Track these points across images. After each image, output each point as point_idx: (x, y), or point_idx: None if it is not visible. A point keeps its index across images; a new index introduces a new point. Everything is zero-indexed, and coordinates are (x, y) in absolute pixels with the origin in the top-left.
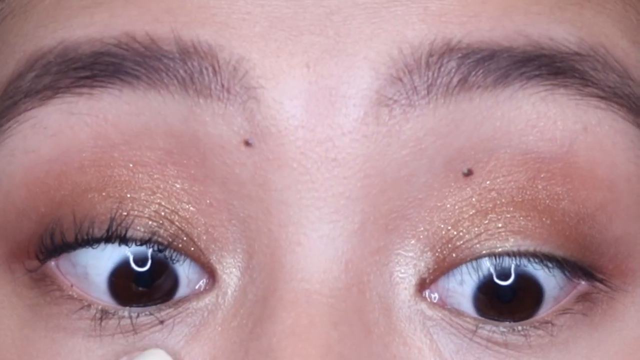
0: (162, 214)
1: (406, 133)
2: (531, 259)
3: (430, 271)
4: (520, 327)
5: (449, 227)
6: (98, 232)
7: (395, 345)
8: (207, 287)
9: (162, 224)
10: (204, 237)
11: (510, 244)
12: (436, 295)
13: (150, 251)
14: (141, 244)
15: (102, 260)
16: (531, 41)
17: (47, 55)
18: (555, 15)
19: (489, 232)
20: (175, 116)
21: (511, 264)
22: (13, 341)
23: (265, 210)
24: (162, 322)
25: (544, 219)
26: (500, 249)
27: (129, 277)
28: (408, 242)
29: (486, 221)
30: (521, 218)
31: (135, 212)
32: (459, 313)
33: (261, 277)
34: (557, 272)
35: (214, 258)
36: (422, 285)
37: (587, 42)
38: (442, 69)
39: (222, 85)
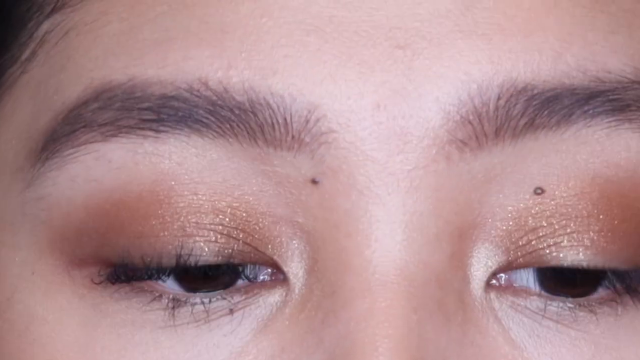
0: (226, 233)
1: (475, 169)
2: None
3: (501, 267)
4: (586, 302)
5: (522, 234)
6: (167, 264)
7: (472, 333)
8: (272, 278)
9: (230, 243)
10: (269, 247)
11: (580, 259)
12: (502, 275)
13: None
14: (210, 267)
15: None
16: (591, 77)
17: (115, 89)
18: (609, 42)
19: (561, 244)
20: (242, 158)
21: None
22: (75, 340)
23: (332, 226)
24: (231, 311)
25: (616, 234)
26: (569, 263)
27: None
28: (482, 245)
29: (560, 232)
30: (594, 234)
31: (201, 239)
32: (525, 292)
33: (327, 276)
34: (618, 282)
35: (280, 261)
36: (492, 277)
37: None
38: (509, 112)
39: (293, 137)
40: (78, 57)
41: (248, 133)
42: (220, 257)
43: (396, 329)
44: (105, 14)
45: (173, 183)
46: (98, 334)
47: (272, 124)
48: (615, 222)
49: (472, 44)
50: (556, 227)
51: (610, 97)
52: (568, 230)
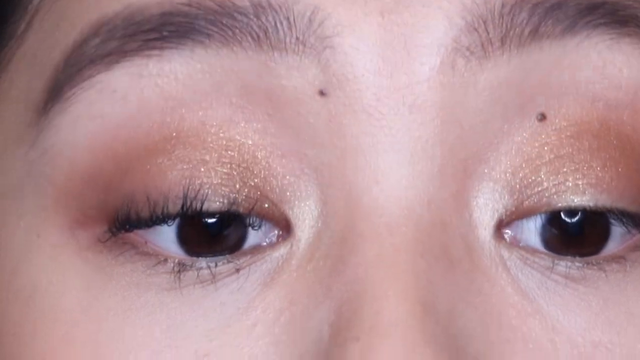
0: (235, 173)
1: (481, 83)
2: (606, 214)
3: (508, 213)
4: (594, 261)
5: (527, 171)
6: (173, 209)
7: (480, 281)
8: (279, 239)
9: (236, 187)
10: (277, 190)
11: (587, 198)
12: (509, 231)
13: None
14: (217, 216)
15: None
16: None
17: (113, 20)
18: None
19: (567, 184)
20: (248, 71)
21: (585, 213)
22: (79, 302)
23: (340, 156)
24: (238, 270)
25: (619, 169)
26: (577, 203)
27: (198, 227)
28: (486, 184)
29: (564, 170)
30: (598, 168)
31: (208, 181)
32: (533, 251)
33: (335, 220)
34: (629, 224)
35: (287, 208)
36: (500, 226)
37: None
38: (514, 20)
39: (297, 38)
40: (71, 11)
41: (252, 37)
42: (226, 202)
43: (405, 274)
44: None
45: (184, 111)
46: (103, 297)
47: (276, 25)
48: (617, 154)
49: None
50: (557, 164)
51: (612, 9)
52: (572, 168)
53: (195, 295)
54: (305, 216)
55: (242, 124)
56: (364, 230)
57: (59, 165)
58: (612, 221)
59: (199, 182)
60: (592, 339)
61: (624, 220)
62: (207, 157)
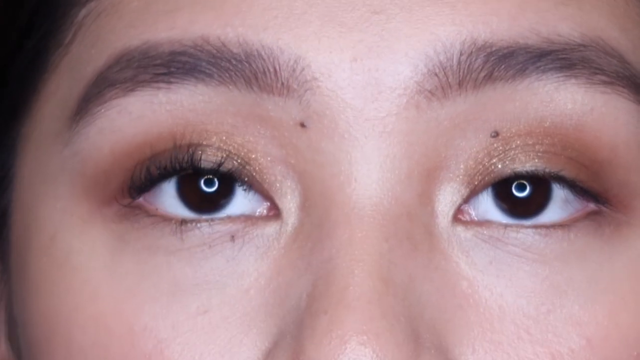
0: (229, 155)
1: (442, 116)
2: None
3: (464, 199)
4: (544, 232)
5: (481, 167)
6: (175, 166)
7: (437, 259)
8: (269, 214)
9: (230, 155)
10: (267, 180)
11: (530, 166)
12: (466, 208)
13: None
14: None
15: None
16: (543, 38)
17: (132, 52)
18: (559, 11)
19: (514, 160)
20: (242, 103)
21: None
22: (105, 265)
23: (319, 166)
24: (233, 237)
25: (560, 154)
26: (520, 169)
27: (195, 185)
28: (447, 184)
29: (511, 154)
30: (541, 151)
31: (207, 149)
32: (487, 222)
33: (316, 211)
34: (567, 189)
35: (276, 197)
36: (458, 212)
37: (588, 36)
38: (471, 66)
39: (282, 84)
40: (105, 34)
41: (244, 80)
42: (220, 156)
43: (370, 255)
44: None
45: (189, 125)
46: (123, 260)
47: (264, 71)
48: (559, 149)
49: (438, 10)
50: (507, 152)
51: (560, 56)
52: (519, 151)
53: (196, 258)
54: (290, 205)
55: (237, 136)
56: (338, 218)
57: (87, 164)
58: (553, 184)
59: (200, 148)
60: (537, 302)
61: (560, 184)
62: (209, 144)
